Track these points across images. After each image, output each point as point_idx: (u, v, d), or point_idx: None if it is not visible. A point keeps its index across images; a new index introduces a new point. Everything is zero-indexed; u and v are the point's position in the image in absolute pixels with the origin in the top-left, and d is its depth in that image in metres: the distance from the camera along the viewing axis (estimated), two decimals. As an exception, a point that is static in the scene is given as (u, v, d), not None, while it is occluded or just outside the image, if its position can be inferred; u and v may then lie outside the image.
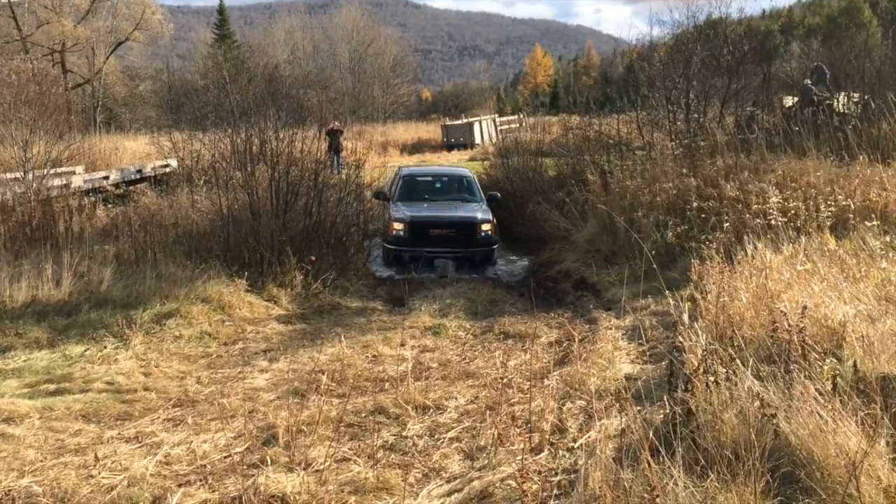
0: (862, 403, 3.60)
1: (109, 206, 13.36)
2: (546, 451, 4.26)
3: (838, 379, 3.79)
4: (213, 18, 67.05)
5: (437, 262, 11.82)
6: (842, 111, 12.45)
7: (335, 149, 20.10)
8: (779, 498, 3.23)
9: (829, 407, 3.50)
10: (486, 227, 12.17)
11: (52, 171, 12.68)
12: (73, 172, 14.33)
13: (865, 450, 3.06)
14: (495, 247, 12.38)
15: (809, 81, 13.86)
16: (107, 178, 15.60)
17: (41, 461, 4.31)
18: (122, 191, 15.08)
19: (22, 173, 12.24)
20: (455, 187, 14.40)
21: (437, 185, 14.39)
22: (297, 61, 55.54)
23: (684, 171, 10.62)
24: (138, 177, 16.92)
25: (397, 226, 12.15)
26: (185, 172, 15.19)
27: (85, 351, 6.73)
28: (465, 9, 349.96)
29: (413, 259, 11.76)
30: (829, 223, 7.65)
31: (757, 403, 3.67)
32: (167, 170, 17.19)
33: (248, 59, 22.91)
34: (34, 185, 11.69)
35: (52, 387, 5.82)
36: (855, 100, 12.78)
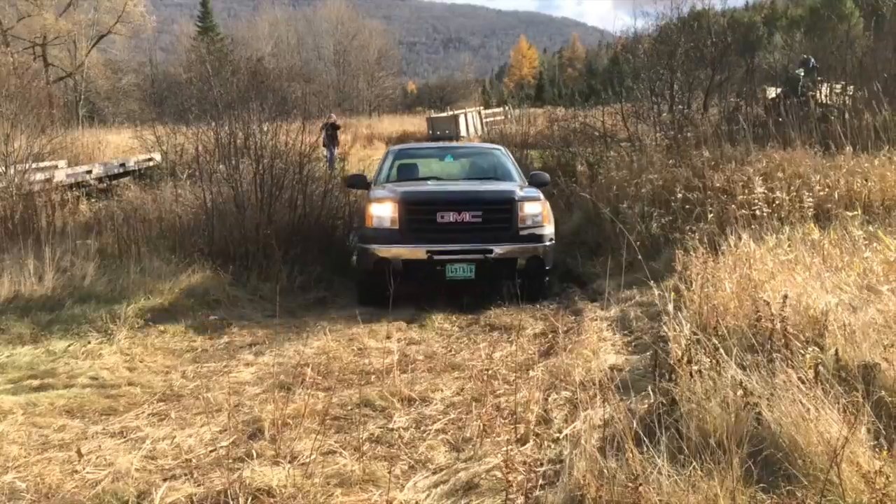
0: (843, 391, 3.64)
1: (92, 200, 13.27)
2: (531, 442, 4.27)
3: (820, 367, 3.82)
4: (196, 11, 66.68)
5: (453, 270, 8.01)
6: (824, 102, 12.54)
7: (332, 142, 20.02)
8: (761, 485, 3.26)
9: (811, 395, 3.54)
10: (532, 208, 8.25)
11: (33, 166, 12.59)
12: (56, 167, 14.22)
13: (846, 437, 3.09)
14: (550, 245, 8.31)
15: (802, 71, 13.94)
16: (90, 172, 15.51)
17: (25, 457, 4.28)
18: (105, 185, 14.98)
19: (3, 168, 12.14)
20: (477, 165, 10.51)
21: (448, 161, 10.85)
22: (281, 54, 55.31)
23: (670, 162, 10.67)
24: (121, 171, 16.82)
25: (379, 209, 8.17)
26: (168, 166, 15.10)
27: (68, 346, 6.68)
28: (449, 1, 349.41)
29: (408, 273, 7.93)
30: (812, 213, 7.71)
31: (740, 392, 3.70)
32: (151, 164, 17.10)
33: (232, 52, 22.78)
34: (16, 179, 11.60)
35: (35, 382, 5.77)
36: (838, 91, 12.87)
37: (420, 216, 8.17)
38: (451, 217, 8.06)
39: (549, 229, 8.42)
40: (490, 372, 5.72)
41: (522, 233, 8.18)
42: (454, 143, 13.61)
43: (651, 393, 4.39)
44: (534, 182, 9.34)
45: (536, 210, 8.31)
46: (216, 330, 7.43)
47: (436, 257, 7.98)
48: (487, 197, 8.58)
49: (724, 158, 9.99)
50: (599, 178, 11.66)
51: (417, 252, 8.03)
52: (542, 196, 8.57)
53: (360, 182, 9.86)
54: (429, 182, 9.53)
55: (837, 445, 3.03)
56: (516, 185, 8.98)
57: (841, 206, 7.76)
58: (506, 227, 8.15)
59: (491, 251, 8.00)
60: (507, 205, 8.26)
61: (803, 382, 3.64)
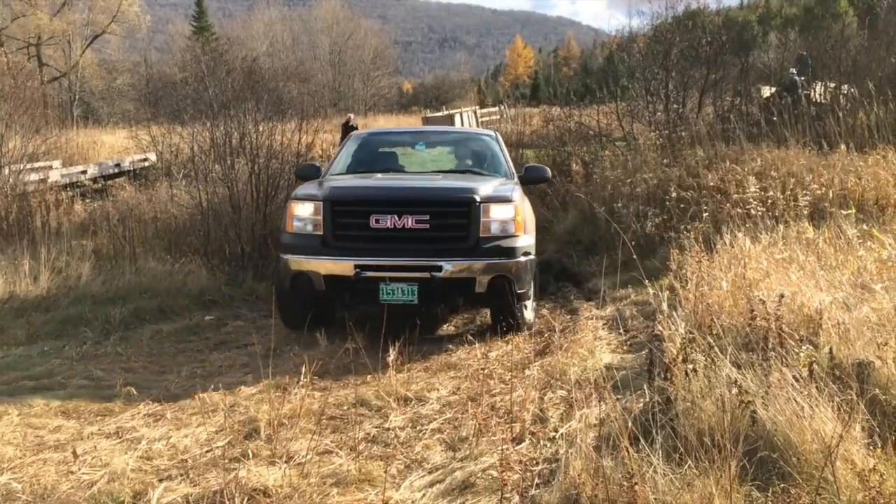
0: (838, 389, 3.65)
1: (87, 200, 13.27)
2: (527, 441, 4.28)
3: (815, 365, 3.84)
4: (190, 10, 66.57)
5: (389, 292, 6.31)
6: (818, 100, 12.57)
7: None
8: (756, 482, 3.28)
9: (806, 393, 3.55)
10: (501, 212, 6.53)
11: (28, 166, 12.56)
12: (51, 167, 14.21)
13: (841, 435, 3.10)
14: (525, 262, 6.57)
15: (794, 71, 13.96)
16: (84, 172, 15.50)
17: (20, 458, 4.27)
18: (100, 185, 14.98)
19: (-2, 168, 12.11)
20: (456, 154, 9.00)
21: (419, 149, 9.00)
22: (277, 54, 55.26)
23: (665, 161, 10.69)
24: (116, 171, 16.81)
25: (300, 210, 6.65)
26: (164, 166, 15.09)
27: (64, 347, 6.68)
28: (444, 0, 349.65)
29: (332, 293, 6.57)
30: (806, 212, 7.73)
31: (735, 390, 3.71)
32: (146, 164, 17.09)
33: (227, 52, 22.74)
34: (10, 179, 11.57)
35: (30, 383, 5.77)
36: (832, 89, 12.90)
37: (349, 220, 6.50)
38: (388, 222, 6.29)
39: (524, 240, 6.62)
40: (486, 371, 5.74)
41: (485, 245, 6.38)
42: (437, 127, 11.29)
43: (646, 392, 4.40)
44: (528, 177, 7.93)
45: (506, 215, 6.52)
46: (212, 330, 7.42)
47: (366, 274, 6.27)
48: (437, 196, 6.70)
49: (719, 157, 10.01)
50: (594, 177, 11.67)
51: (343, 266, 6.35)
52: (517, 197, 6.79)
53: (312, 174, 7.98)
54: (378, 175, 7.77)
55: (832, 443, 3.05)
56: (492, 181, 7.13)
57: (835, 205, 7.78)
58: (462, 236, 6.40)
59: (439, 268, 6.23)
60: (464, 207, 6.43)
61: (798, 381, 3.65)
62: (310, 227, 6.57)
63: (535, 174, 8.12)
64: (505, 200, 6.64)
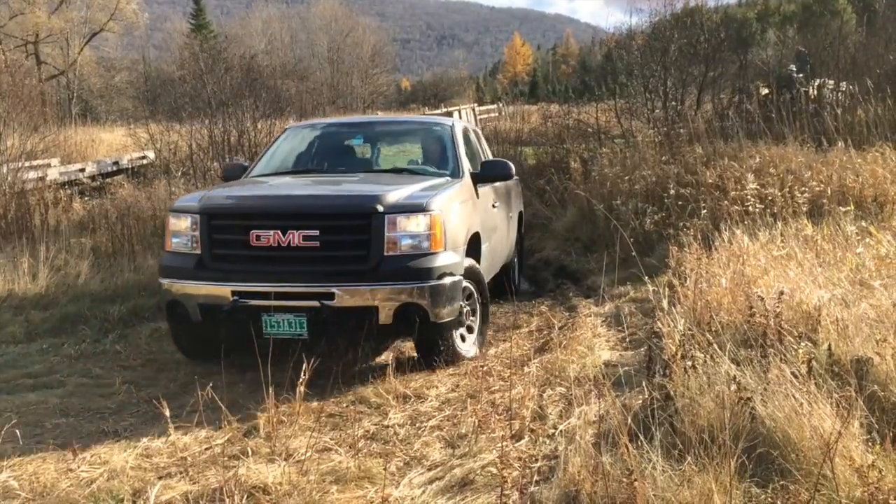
0: (836, 386, 3.66)
1: (86, 198, 13.24)
2: (526, 438, 4.29)
3: (813, 362, 3.84)
4: (188, 8, 66.49)
5: (273, 324, 5.36)
6: (815, 97, 12.58)
7: None
8: (755, 479, 3.28)
9: (805, 390, 3.55)
10: (412, 224, 5.43)
11: (26, 164, 12.54)
12: (49, 165, 14.17)
13: (839, 431, 3.11)
14: (451, 283, 5.51)
15: (794, 68, 13.97)
16: (83, 170, 15.47)
17: (19, 456, 4.27)
18: (98, 183, 14.95)
19: (-4, 166, 12.10)
20: (401, 150, 8.28)
21: (357, 143, 7.71)
22: (275, 51, 55.21)
23: (663, 158, 10.69)
24: (115, 169, 16.78)
25: (177, 224, 5.74)
26: (162, 164, 15.08)
27: (62, 345, 6.68)
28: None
29: (210, 324, 5.62)
30: (805, 209, 7.73)
31: (734, 387, 3.71)
32: (144, 161, 17.06)
33: (225, 50, 22.76)
34: (9, 178, 11.56)
35: (29, 381, 5.77)
36: (830, 87, 12.91)
37: (226, 236, 5.56)
38: (271, 238, 5.27)
39: (445, 258, 5.50)
40: (485, 368, 5.74)
41: (390, 266, 5.32)
42: (385, 118, 9.48)
43: (645, 388, 4.40)
44: (485, 175, 6.89)
45: (418, 227, 5.42)
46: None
47: (245, 302, 5.35)
48: (327, 206, 5.63)
49: (717, 154, 10.01)
50: (593, 175, 11.67)
51: (219, 293, 5.43)
52: (438, 204, 5.57)
53: (237, 174, 7.13)
54: (287, 179, 6.79)
55: (830, 440, 3.05)
56: (419, 184, 6.04)
57: (833, 202, 7.79)
58: (361, 255, 5.35)
59: (331, 295, 5.23)
60: (362, 219, 5.37)
61: (796, 377, 3.66)
62: (186, 245, 5.63)
63: (493, 171, 7.00)
64: (417, 210, 5.45)
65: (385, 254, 5.32)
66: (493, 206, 7.33)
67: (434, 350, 5.68)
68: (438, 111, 41.69)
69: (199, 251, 5.55)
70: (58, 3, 43.82)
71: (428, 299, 5.37)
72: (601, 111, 15.59)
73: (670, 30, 15.11)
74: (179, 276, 5.61)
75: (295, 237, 5.26)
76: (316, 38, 66.40)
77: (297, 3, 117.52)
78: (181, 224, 5.69)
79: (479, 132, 8.83)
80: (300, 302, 5.32)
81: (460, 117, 37.21)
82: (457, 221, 5.85)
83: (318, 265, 5.35)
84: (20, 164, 12.26)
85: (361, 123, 8.66)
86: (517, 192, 9.23)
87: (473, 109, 40.32)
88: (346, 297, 5.27)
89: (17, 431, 4.33)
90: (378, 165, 7.49)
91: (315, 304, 5.25)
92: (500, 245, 7.58)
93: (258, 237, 5.32)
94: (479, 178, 6.82)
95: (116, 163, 17.02)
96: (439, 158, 7.05)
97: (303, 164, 7.27)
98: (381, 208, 5.36)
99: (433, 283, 5.39)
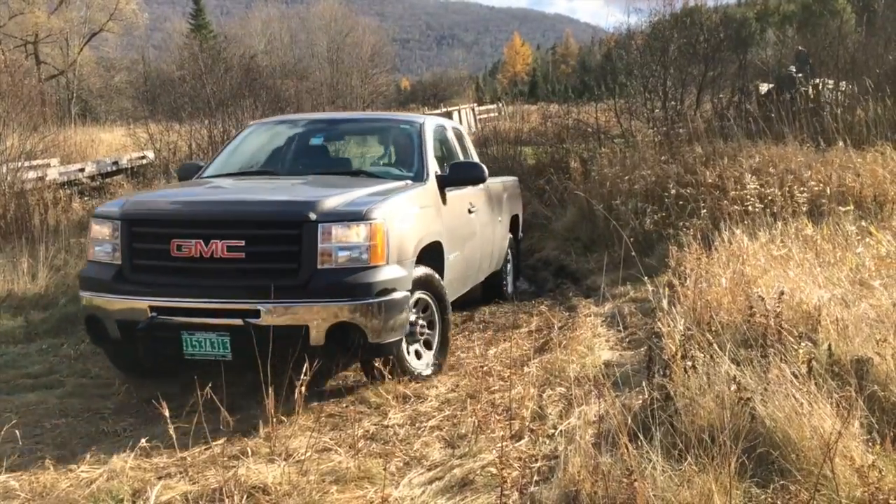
0: (836, 386, 3.66)
1: (85, 198, 13.25)
2: (526, 438, 4.29)
3: (813, 362, 3.84)
4: (188, 8, 66.53)
5: (194, 343, 4.94)
6: (815, 97, 12.58)
7: None
8: (755, 479, 3.28)
9: (805, 390, 3.55)
10: (348, 233, 4.93)
11: (26, 164, 12.54)
12: (48, 165, 14.18)
13: (840, 431, 3.11)
14: (393, 300, 5.01)
15: (793, 68, 13.97)
16: (82, 170, 15.48)
17: (18, 456, 4.27)
18: (98, 183, 14.96)
19: (-5, 166, 12.10)
20: (362, 149, 7.78)
21: (316, 142, 7.13)
22: (275, 51, 55.20)
23: (663, 158, 10.69)
24: (114, 169, 16.79)
25: (98, 232, 5.31)
26: (161, 164, 15.08)
27: (62, 345, 6.67)
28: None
29: (129, 342, 5.18)
30: (805, 209, 7.73)
31: (734, 387, 3.71)
32: (144, 161, 17.06)
33: (225, 50, 22.77)
34: (8, 178, 11.56)
35: (28, 381, 5.76)
36: (830, 86, 12.91)
37: (147, 245, 5.12)
38: (192, 249, 4.84)
39: (388, 272, 4.99)
40: (485, 368, 5.74)
41: (323, 280, 4.83)
42: (350, 115, 8.65)
43: (645, 388, 4.41)
44: (453, 177, 6.34)
45: (357, 238, 4.92)
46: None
47: (162, 319, 4.90)
48: (253, 214, 5.17)
49: (717, 154, 10.01)
50: (593, 175, 11.67)
51: (136, 308, 4.97)
52: (383, 212, 5.05)
53: (192, 174, 6.73)
54: (228, 183, 6.28)
55: (831, 440, 3.05)
56: (367, 188, 5.53)
57: (833, 202, 7.79)
58: (290, 268, 4.89)
59: (256, 313, 4.77)
60: (291, 229, 4.91)
61: (797, 377, 3.66)
62: (109, 255, 5.19)
63: (462, 174, 6.44)
64: (355, 218, 4.94)
65: (318, 267, 4.84)
66: (470, 212, 6.90)
67: (368, 370, 5.32)
68: (438, 111, 41.71)
69: (119, 261, 5.11)
70: (57, 3, 43.84)
71: (365, 318, 4.88)
72: (601, 111, 15.61)
73: (670, 29, 15.11)
74: (98, 289, 5.16)
75: (218, 248, 4.83)
76: (315, 38, 66.35)
77: (297, 4, 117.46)
78: (104, 231, 5.24)
79: (463, 131, 8.14)
80: (223, 320, 4.86)
81: (460, 117, 37.22)
82: (407, 230, 5.33)
83: (243, 279, 4.91)
84: (20, 164, 12.26)
85: (326, 121, 7.88)
86: (513, 194, 8.88)
87: (473, 109, 40.35)
88: (272, 314, 4.78)
89: (17, 432, 4.32)
90: (342, 167, 6.93)
91: (239, 322, 4.80)
92: (477, 253, 7.14)
93: (179, 247, 4.88)
94: (447, 182, 6.32)
95: (116, 163, 17.02)
96: (404, 159, 6.65)
97: (258, 165, 6.81)
98: (313, 216, 4.86)
99: (371, 300, 4.88)
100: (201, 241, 4.84)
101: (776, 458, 3.35)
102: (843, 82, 12.46)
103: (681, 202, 8.95)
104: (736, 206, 7.85)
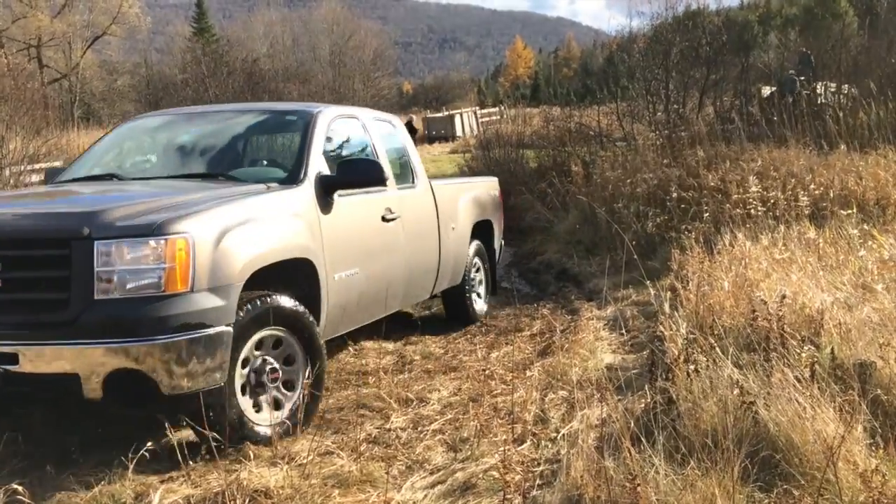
0: (839, 390, 3.65)
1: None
2: (528, 442, 4.28)
3: (816, 366, 3.83)
4: (191, 12, 66.67)
5: None
6: (817, 99, 12.59)
7: None
8: (758, 483, 3.27)
9: (808, 394, 3.55)
10: (135, 253, 3.76)
11: (29, 167, 12.55)
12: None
13: (843, 435, 3.10)
14: (204, 336, 3.86)
15: (794, 72, 13.97)
16: (85, 173, 15.46)
17: (20, 460, 4.26)
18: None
19: (-2, 169, 12.12)
20: (234, 148, 5.97)
21: (185, 140, 6.06)
22: (277, 55, 55.27)
23: (665, 161, 10.69)
24: (117, 172, 16.78)
25: None
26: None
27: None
28: (444, 0, 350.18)
29: None
30: (807, 212, 7.73)
31: (736, 391, 3.71)
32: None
33: (227, 53, 22.82)
34: (11, 181, 11.57)
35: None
36: (832, 89, 12.92)
37: None
38: None
39: (196, 301, 3.88)
40: (487, 372, 5.73)
41: (98, 314, 3.75)
42: (225, 107, 7.65)
43: (648, 392, 4.40)
44: (341, 179, 5.20)
45: (148, 259, 3.82)
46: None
47: None
48: (11, 229, 4.03)
49: (719, 157, 10.01)
50: (595, 178, 11.67)
51: None
52: (183, 225, 3.91)
53: (53, 176, 6.01)
54: (58, 187, 5.45)
55: (834, 444, 3.04)
56: (183, 196, 4.42)
57: (836, 205, 7.78)
58: (58, 299, 3.81)
59: (13, 357, 3.77)
60: (59, 248, 3.82)
61: (799, 381, 3.65)
62: None
63: (352, 175, 5.28)
64: (146, 233, 3.82)
65: (95, 297, 3.74)
66: (386, 220, 5.81)
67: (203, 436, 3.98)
68: (440, 114, 41.75)
69: None
70: (60, 7, 43.97)
71: (155, 362, 3.77)
72: (603, 114, 15.61)
73: (672, 33, 15.11)
74: None
75: None
76: (318, 41, 66.48)
77: (299, 7, 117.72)
78: None
79: (397, 122, 6.97)
80: None
81: (462, 120, 37.30)
82: (232, 247, 4.10)
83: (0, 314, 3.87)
84: (23, 168, 12.28)
85: (196, 115, 6.67)
86: (482, 196, 7.81)
87: (475, 112, 40.43)
88: (33, 360, 3.75)
89: (18, 435, 4.32)
90: (202, 168, 5.67)
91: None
92: (399, 269, 6.04)
93: None
94: (337, 185, 5.17)
95: (118, 166, 17.03)
96: (282, 158, 5.77)
97: (113, 167, 5.77)
98: (86, 231, 3.76)
99: (162, 339, 3.77)
100: None
101: (779, 463, 3.34)
102: (846, 85, 12.46)
103: (683, 205, 8.95)
104: (738, 210, 7.85)
